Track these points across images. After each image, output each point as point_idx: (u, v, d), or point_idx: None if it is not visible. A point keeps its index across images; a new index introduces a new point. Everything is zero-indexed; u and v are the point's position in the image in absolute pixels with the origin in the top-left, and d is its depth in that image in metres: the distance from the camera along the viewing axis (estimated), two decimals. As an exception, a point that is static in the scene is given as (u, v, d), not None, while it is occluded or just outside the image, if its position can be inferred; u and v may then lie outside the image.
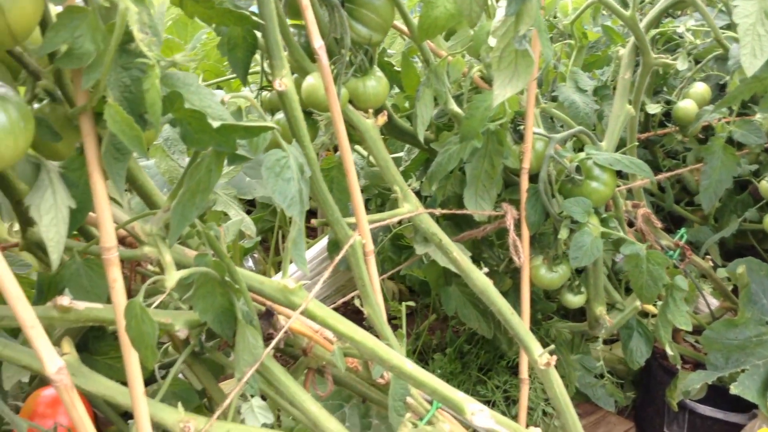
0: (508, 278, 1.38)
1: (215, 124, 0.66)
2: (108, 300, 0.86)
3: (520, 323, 1.11)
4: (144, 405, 0.77)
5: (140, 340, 0.72)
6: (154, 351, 0.72)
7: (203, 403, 1.12)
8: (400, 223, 1.60)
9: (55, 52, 0.63)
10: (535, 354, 1.10)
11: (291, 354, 1.08)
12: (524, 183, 1.22)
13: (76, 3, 0.62)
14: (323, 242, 1.94)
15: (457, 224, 1.34)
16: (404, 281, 2.03)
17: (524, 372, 1.32)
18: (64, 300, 0.76)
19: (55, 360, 0.66)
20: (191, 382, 1.10)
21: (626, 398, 1.81)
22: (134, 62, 0.62)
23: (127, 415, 1.03)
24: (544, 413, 1.58)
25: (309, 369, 1.07)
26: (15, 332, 0.90)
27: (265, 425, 0.90)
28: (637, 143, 1.47)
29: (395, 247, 1.69)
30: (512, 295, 1.35)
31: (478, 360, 1.79)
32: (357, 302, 1.07)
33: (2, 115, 0.58)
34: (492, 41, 0.83)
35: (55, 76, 0.67)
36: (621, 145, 1.45)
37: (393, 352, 0.94)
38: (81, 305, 0.78)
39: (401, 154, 1.42)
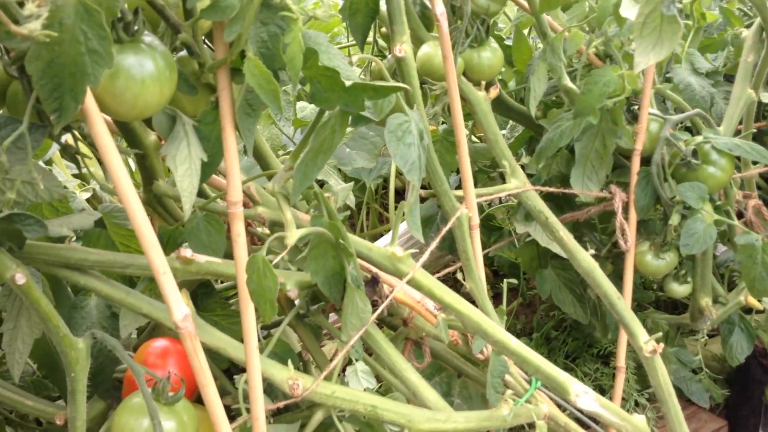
0: (608, 263, 1.34)
1: (347, 82, 0.66)
2: (224, 256, 0.88)
3: (626, 308, 1.08)
4: (257, 359, 0.79)
5: (260, 294, 0.73)
6: (274, 305, 0.73)
7: (298, 366, 1.14)
8: (489, 204, 1.58)
9: (194, 6, 0.64)
10: (641, 340, 1.06)
11: (390, 324, 1.09)
12: (635, 165, 1.18)
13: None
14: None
15: (558, 206, 1.31)
16: (492, 263, 2.01)
17: (621, 360, 1.29)
18: (187, 252, 0.78)
19: (181, 307, 0.68)
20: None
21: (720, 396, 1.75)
22: (274, 17, 0.63)
23: (228, 372, 1.06)
24: (636, 404, 1.54)
25: (408, 339, 1.07)
26: (132, 283, 0.93)
27: (367, 390, 0.91)
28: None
29: (485, 228, 1.67)
30: (612, 281, 1.32)
31: (565, 347, 1.76)
32: (459, 275, 1.06)
33: (150, 63, 0.59)
34: (627, 11, 0.80)
35: (193, 30, 0.68)
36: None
37: (498, 327, 0.93)
38: (202, 258, 0.80)
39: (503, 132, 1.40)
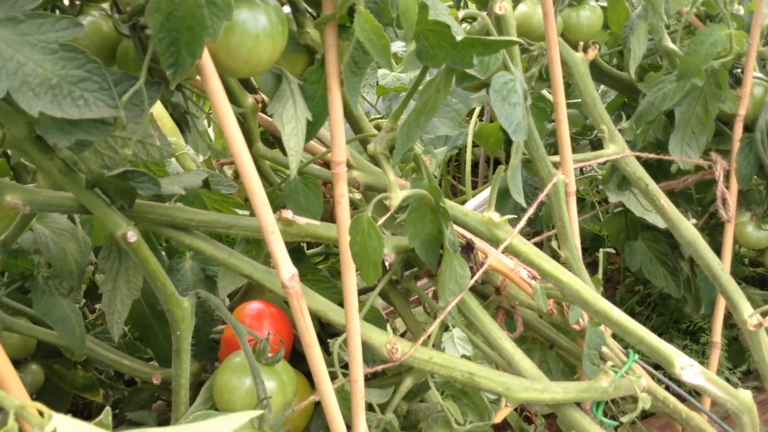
0: (704, 235, 1.28)
1: (458, 37, 0.64)
2: (322, 219, 0.88)
3: (730, 280, 1.03)
4: (357, 322, 0.78)
5: (364, 256, 0.72)
6: (378, 267, 0.72)
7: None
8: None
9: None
10: (745, 314, 1.02)
11: (481, 292, 1.07)
12: (738, 131, 1.12)
13: None
14: (487, 191, 1.90)
15: (652, 174, 1.25)
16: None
17: (717, 335, 1.24)
18: (288, 213, 0.78)
19: (289, 267, 0.67)
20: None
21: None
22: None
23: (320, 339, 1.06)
24: (728, 381, 1.48)
25: (500, 308, 1.05)
26: (231, 243, 0.94)
27: (464, 356, 0.90)
28: None
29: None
30: (708, 252, 1.26)
31: (649, 323, 1.70)
32: (554, 244, 1.03)
33: (264, 17, 0.59)
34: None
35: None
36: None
37: (599, 296, 0.90)
38: (302, 220, 0.80)
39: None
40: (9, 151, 1.05)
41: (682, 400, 1.05)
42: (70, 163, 0.65)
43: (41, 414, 0.44)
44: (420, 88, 0.76)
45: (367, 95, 1.53)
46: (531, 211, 0.91)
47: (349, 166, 0.90)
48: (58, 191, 0.71)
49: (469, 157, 1.94)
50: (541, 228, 1.52)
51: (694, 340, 1.59)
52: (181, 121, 0.70)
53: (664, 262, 1.35)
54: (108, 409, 0.45)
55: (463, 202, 2.20)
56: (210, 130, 1.77)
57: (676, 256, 1.38)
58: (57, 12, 0.65)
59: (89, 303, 1.32)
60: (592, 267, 1.98)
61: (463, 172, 2.13)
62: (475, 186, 2.37)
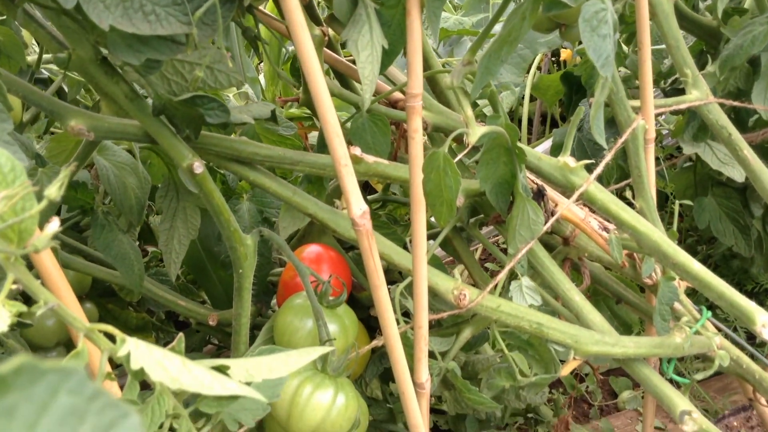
0: (782, 191, 1.22)
1: (553, -44, 0.59)
2: (387, 158, 0.84)
3: (816, 237, 0.97)
4: (425, 265, 0.74)
5: (437, 195, 0.68)
6: (452, 207, 0.69)
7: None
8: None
9: None
10: (830, 273, 0.96)
11: (547, 243, 1.02)
12: (829, 79, 1.05)
13: None
14: (544, 146, 1.84)
15: (729, 126, 1.18)
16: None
17: (790, 296, 1.18)
18: (357, 150, 0.74)
19: (360, 204, 0.64)
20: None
21: None
22: None
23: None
24: (795, 347, 1.42)
25: (567, 259, 1.00)
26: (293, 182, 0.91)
27: (532, 306, 0.86)
28: None
29: (626, 155, 1.56)
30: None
31: (710, 284, 1.64)
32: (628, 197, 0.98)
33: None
34: None
35: None
36: None
37: (678, 248, 0.85)
38: (370, 158, 0.76)
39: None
40: (65, 87, 1.03)
41: (754, 359, 1.00)
42: (137, 88, 0.62)
43: (112, 340, 0.41)
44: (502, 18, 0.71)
45: (428, 38, 1.47)
46: (609, 156, 0.86)
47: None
48: (123, 119, 0.68)
49: (525, 111, 1.87)
50: (602, 181, 1.46)
51: (759, 303, 1.52)
52: (251, 44, 0.66)
53: (734, 220, 1.29)
54: (181, 335, 0.42)
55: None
56: (261, 79, 1.73)
57: (747, 213, 1.32)
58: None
59: (142, 245, 1.32)
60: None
61: (518, 127, 2.06)
62: (528, 143, 2.30)
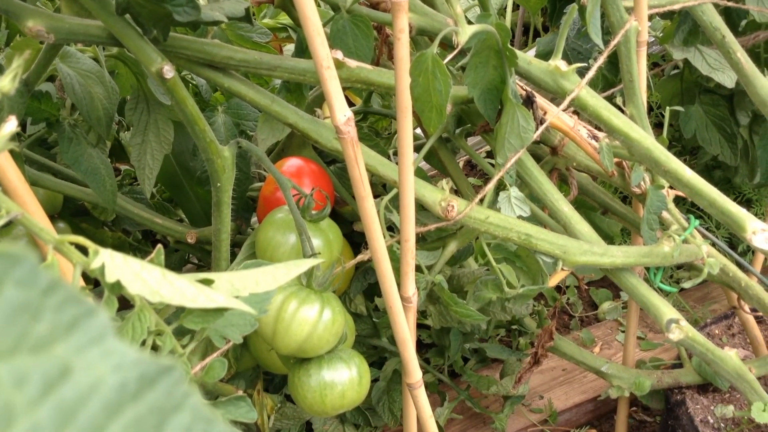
0: (771, 98, 1.19)
1: None
2: (371, 63, 0.79)
3: (806, 143, 0.95)
4: (411, 176, 0.71)
5: (426, 100, 0.65)
6: (442, 112, 0.65)
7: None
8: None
9: None
10: (819, 179, 0.95)
11: (534, 153, 1.00)
12: (827, -22, 1.01)
13: None
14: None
15: (720, 30, 1.15)
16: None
17: (775, 205, 1.17)
18: (338, 54, 0.70)
19: (344, 110, 0.60)
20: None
21: None
22: None
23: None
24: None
25: (554, 169, 0.98)
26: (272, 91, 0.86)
27: (520, 217, 0.84)
28: None
29: (611, 65, 1.52)
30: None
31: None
32: (619, 100, 0.95)
33: None
34: None
35: None
36: None
37: (670, 155, 0.83)
38: (352, 63, 0.72)
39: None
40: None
41: (740, 267, 1.00)
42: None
43: (84, 252, 0.38)
44: None
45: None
46: (602, 59, 0.82)
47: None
48: (85, 20, 0.62)
49: (508, 19, 1.80)
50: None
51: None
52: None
53: (721, 128, 1.27)
54: (160, 246, 0.39)
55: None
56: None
57: (734, 122, 1.29)
58: None
59: (114, 162, 1.27)
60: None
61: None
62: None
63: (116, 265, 0.32)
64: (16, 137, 0.73)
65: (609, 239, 1.32)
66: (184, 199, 1.07)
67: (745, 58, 0.95)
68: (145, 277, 0.31)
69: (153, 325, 0.37)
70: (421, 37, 0.88)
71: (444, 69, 0.62)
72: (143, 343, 0.36)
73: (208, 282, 0.38)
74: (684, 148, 1.62)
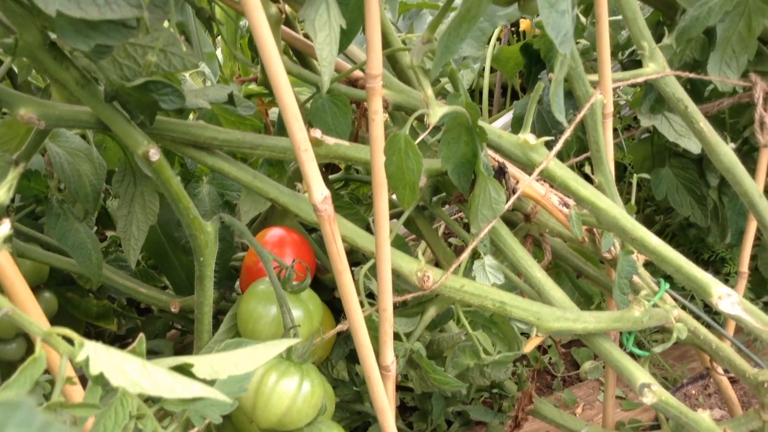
0: (737, 162, 1.24)
1: (511, -66, 0.58)
2: (349, 139, 0.83)
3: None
4: (388, 249, 0.74)
5: (400, 177, 0.68)
6: (415, 189, 0.68)
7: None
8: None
9: None
10: (782, 242, 0.98)
11: (508, 219, 1.03)
12: (781, 51, 1.06)
13: None
14: (506, 118, 1.85)
15: (685, 98, 1.20)
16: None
17: (744, 265, 1.20)
18: (317, 132, 0.73)
19: (321, 189, 0.63)
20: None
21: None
22: None
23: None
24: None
25: (528, 236, 1.01)
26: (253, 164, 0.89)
27: (494, 285, 0.86)
28: None
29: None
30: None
31: (667, 253, 1.67)
32: (587, 170, 0.99)
33: None
34: None
35: None
36: None
37: (637, 223, 0.86)
38: (331, 140, 0.75)
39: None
40: (15, 68, 0.99)
41: (711, 329, 1.03)
42: (87, 73, 0.60)
43: (70, 342, 0.40)
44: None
45: (386, 12, 1.45)
46: (568, 132, 0.86)
47: (377, 84, 0.85)
48: (74, 105, 0.66)
49: (486, 83, 1.87)
50: (562, 156, 1.47)
51: (715, 271, 1.56)
52: (206, 25, 0.64)
53: (691, 190, 1.31)
54: (142, 336, 0.41)
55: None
56: (219, 54, 1.70)
57: (704, 184, 1.34)
58: None
59: (101, 230, 1.29)
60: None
61: (478, 99, 2.06)
62: (490, 115, 2.30)
63: (100, 358, 0.34)
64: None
65: (588, 299, 1.35)
66: (168, 267, 1.09)
67: (707, 127, 1.00)
68: (126, 369, 0.33)
69: (135, 409, 0.39)
70: (398, 112, 0.92)
71: (416, 149, 0.65)
72: (125, 427, 0.38)
73: (188, 366, 0.40)
74: (659, 207, 1.66)
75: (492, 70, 2.16)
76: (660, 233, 1.72)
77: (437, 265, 0.96)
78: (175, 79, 0.91)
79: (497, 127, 1.90)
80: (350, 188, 1.17)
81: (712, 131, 1.00)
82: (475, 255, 0.87)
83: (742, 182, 1.00)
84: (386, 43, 0.89)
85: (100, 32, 0.51)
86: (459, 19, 0.67)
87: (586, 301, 1.33)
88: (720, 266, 1.56)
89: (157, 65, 0.60)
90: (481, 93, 2.10)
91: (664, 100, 1.21)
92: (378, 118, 0.68)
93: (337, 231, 0.66)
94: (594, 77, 0.94)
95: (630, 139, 1.48)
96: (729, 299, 0.87)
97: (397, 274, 0.80)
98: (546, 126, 1.34)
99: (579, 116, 0.90)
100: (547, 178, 0.85)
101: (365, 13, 0.62)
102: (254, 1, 0.53)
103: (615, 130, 1.58)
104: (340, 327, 0.83)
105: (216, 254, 0.74)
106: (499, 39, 1.95)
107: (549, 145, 0.85)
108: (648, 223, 1.77)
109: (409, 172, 0.66)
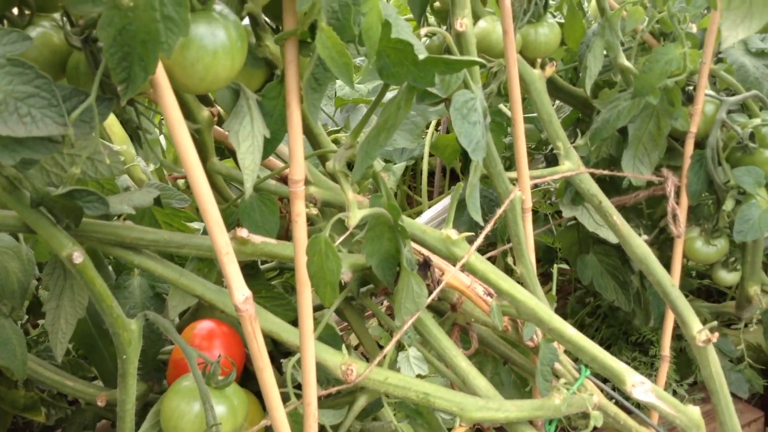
0: (654, 250, 1.30)
1: (420, 56, 0.63)
2: (277, 237, 0.85)
3: (680, 296, 1.04)
4: (312, 344, 0.76)
5: (321, 277, 0.70)
6: (335, 288, 0.71)
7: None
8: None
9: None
10: (694, 330, 1.03)
11: (436, 309, 1.06)
12: (689, 148, 1.14)
13: None
14: (443, 203, 1.90)
15: (604, 189, 1.26)
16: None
17: (666, 349, 1.25)
18: (243, 232, 0.76)
19: (243, 289, 0.65)
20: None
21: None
22: (349, -15, 0.59)
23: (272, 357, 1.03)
24: (674, 393, 1.51)
25: (455, 324, 1.04)
26: (183, 259, 0.91)
27: (419, 376, 0.89)
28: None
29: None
30: (658, 267, 1.28)
31: (599, 334, 1.73)
32: (510, 260, 1.03)
33: (223, 33, 0.56)
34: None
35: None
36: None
37: (553, 314, 0.90)
38: (257, 239, 0.77)
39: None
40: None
41: (630, 413, 1.06)
42: (14, 180, 0.61)
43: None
44: (381, 104, 0.74)
45: (324, 107, 1.51)
46: (488, 228, 0.91)
47: (307, 182, 0.88)
48: (2, 210, 0.67)
49: (425, 167, 1.93)
50: (495, 241, 1.52)
51: (643, 352, 1.62)
52: (133, 136, 0.67)
53: (614, 276, 1.37)
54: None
55: (418, 213, 2.20)
56: (162, 139, 1.72)
57: (627, 269, 1.40)
58: (5, 23, 0.61)
59: (32, 319, 1.27)
60: (544, 278, 2.00)
61: (419, 182, 2.12)
62: (431, 196, 2.36)
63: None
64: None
65: (524, 380, 1.37)
66: (97, 358, 1.08)
67: (621, 221, 1.06)
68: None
69: None
70: (327, 208, 0.96)
71: (334, 251, 0.68)
72: None
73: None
74: (588, 291, 1.72)
75: (432, 153, 2.23)
76: (591, 315, 1.77)
77: (365, 356, 0.98)
78: (112, 179, 0.93)
79: (437, 209, 1.95)
80: (285, 277, 1.19)
81: (625, 224, 1.06)
82: (401, 346, 0.90)
83: (654, 272, 1.05)
84: (317, 144, 0.93)
85: (26, 147, 0.54)
86: (378, 129, 0.72)
87: (521, 381, 1.36)
88: (648, 346, 1.62)
89: (84, 172, 0.62)
90: (430, 174, 2.16)
91: (583, 193, 1.28)
92: (301, 220, 0.71)
93: (258, 330, 0.68)
94: (513, 174, 0.99)
95: (559, 226, 1.55)
96: (642, 387, 0.91)
97: (322, 368, 0.82)
98: (483, 210, 1.39)
99: (499, 213, 0.95)
100: (468, 271, 0.89)
101: (288, 125, 0.66)
102: (176, 117, 0.56)
103: (545, 215, 1.65)
104: (265, 422, 0.84)
105: (140, 352, 0.75)
106: (438, 126, 2.03)
107: (471, 241, 0.89)
108: (579, 304, 1.83)
109: (329, 273, 0.69)
